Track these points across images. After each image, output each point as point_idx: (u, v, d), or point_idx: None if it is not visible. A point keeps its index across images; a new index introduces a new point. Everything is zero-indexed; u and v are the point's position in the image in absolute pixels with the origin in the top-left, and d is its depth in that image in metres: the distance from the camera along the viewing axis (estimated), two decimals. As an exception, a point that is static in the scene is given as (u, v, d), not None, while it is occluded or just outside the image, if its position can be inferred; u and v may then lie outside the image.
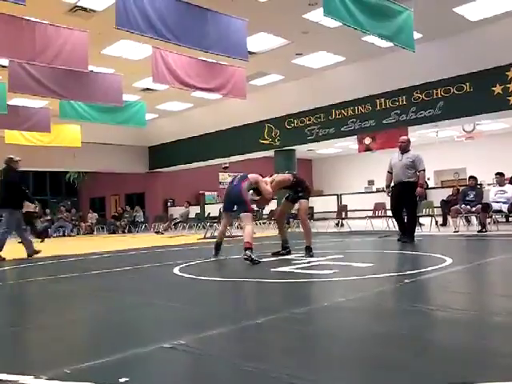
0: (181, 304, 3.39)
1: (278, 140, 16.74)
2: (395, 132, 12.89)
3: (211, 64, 9.77)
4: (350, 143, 18.33)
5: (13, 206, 7.88)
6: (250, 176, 6.24)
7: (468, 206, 10.26)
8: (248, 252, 5.55)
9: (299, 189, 6.23)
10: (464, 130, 18.93)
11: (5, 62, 9.84)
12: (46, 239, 14.17)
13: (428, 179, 19.24)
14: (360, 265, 5.10)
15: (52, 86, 9.36)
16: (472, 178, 10.84)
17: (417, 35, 10.21)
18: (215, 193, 23.85)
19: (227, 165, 20.74)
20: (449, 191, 13.33)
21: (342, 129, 15.03)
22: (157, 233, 17.23)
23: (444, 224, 12.70)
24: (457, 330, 2.41)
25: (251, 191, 6.13)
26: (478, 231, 9.66)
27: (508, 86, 11.64)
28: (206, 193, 22.94)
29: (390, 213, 8.92)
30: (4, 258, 7.73)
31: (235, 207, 6.04)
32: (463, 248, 7.48)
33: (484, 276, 4.49)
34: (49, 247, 9.04)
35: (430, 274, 4.21)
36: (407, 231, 7.75)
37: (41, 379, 1.84)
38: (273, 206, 14.74)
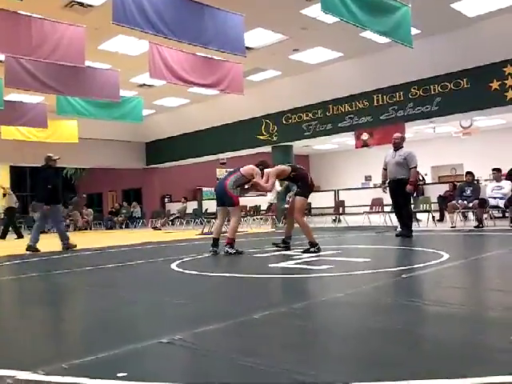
0: (178, 299, 3.39)
1: (276, 136, 16.71)
2: (392, 128, 12.87)
3: (208, 59, 9.73)
4: (348, 139, 18.31)
5: (55, 202, 8.47)
6: (243, 169, 6.27)
7: (465, 202, 10.28)
8: (226, 248, 5.92)
9: (298, 184, 6.23)
10: (461, 125, 18.95)
11: (1, 57, 9.79)
12: (42, 234, 14.08)
13: (425, 175, 19.28)
14: (357, 260, 5.12)
15: (48, 82, 9.31)
16: (469, 173, 10.86)
17: (415, 31, 10.20)
18: (212, 188, 23.81)
19: (224, 160, 20.72)
20: (446, 187, 13.36)
21: (340, 124, 15.02)
22: (154, 228, 17.24)
23: (441, 219, 12.74)
24: (453, 324, 2.42)
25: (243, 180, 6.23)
26: (475, 227, 9.69)
27: (505, 81, 11.63)
28: (204, 188, 22.94)
29: (387, 208, 8.99)
30: (39, 250, 8.19)
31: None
32: (460, 243, 7.51)
33: (480, 271, 4.51)
34: (48, 243, 9.04)
35: (426, 269, 4.23)
36: (403, 226, 7.89)
37: (38, 374, 1.84)
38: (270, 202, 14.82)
